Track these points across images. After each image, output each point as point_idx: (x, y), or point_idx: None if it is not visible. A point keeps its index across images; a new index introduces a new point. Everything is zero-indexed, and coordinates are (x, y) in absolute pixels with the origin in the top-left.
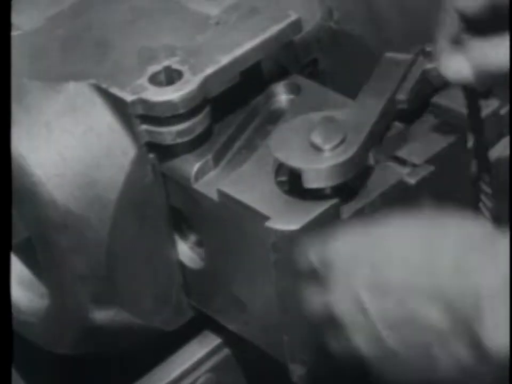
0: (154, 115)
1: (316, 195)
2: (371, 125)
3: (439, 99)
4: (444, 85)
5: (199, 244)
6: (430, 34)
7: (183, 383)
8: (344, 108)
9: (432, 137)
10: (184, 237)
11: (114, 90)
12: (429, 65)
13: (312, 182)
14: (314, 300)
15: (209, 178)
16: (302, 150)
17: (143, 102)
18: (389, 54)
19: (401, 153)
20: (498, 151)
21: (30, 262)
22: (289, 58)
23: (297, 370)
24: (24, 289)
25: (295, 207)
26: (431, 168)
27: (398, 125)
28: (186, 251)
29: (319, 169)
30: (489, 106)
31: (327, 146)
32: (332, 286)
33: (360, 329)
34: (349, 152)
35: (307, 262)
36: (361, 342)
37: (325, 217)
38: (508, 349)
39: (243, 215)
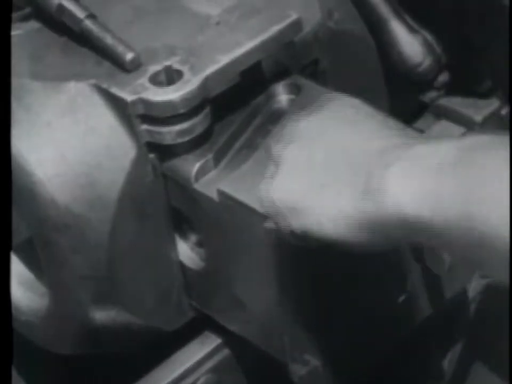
0: (154, 115)
1: None
2: None
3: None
4: None
5: (200, 244)
6: None
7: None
8: None
9: (432, 137)
10: (184, 237)
11: (115, 90)
12: None
13: None
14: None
15: (210, 178)
16: None
17: (144, 102)
18: None
19: None
20: None
21: (30, 262)
22: (290, 59)
23: (298, 371)
24: (25, 289)
25: None
26: None
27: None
28: (186, 251)
29: None
30: (489, 106)
31: None
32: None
33: None
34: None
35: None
36: None
37: None
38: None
39: (243, 215)
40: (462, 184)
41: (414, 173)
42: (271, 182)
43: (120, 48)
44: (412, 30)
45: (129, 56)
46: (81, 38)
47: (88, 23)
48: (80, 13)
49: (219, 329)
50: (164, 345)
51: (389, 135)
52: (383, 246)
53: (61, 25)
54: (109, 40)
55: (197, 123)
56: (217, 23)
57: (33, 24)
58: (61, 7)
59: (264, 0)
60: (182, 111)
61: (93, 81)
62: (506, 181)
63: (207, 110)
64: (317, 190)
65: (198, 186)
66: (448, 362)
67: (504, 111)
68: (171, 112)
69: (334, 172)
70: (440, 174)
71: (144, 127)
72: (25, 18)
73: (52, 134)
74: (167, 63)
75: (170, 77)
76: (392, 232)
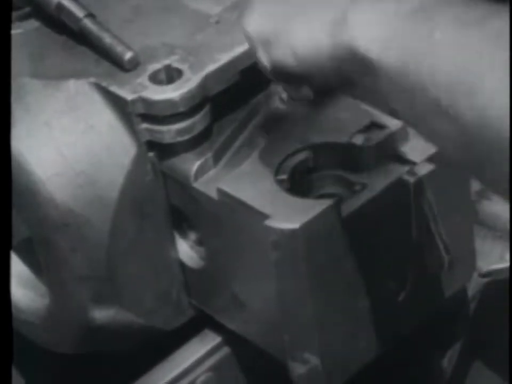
0: (154, 114)
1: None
2: None
3: None
4: None
5: (199, 242)
6: None
7: (183, 382)
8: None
9: None
10: (184, 235)
11: (114, 89)
12: None
13: None
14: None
15: (209, 177)
16: None
17: (143, 101)
18: None
19: (401, 151)
20: None
21: (30, 261)
22: None
23: (297, 369)
24: (25, 288)
25: (295, 205)
26: (431, 166)
27: (397, 123)
28: (186, 250)
29: None
30: None
31: None
32: None
33: None
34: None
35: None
36: None
37: (325, 215)
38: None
39: (243, 214)
40: (412, 31)
41: (374, 13)
42: (244, 15)
43: (118, 48)
44: None
45: (127, 55)
46: (80, 37)
47: (87, 22)
48: (79, 12)
49: (219, 328)
50: (163, 344)
51: None
52: (338, 80)
53: (60, 24)
54: (107, 39)
55: (197, 122)
56: (217, 22)
57: (33, 24)
58: (60, 6)
59: None
60: (181, 109)
61: (92, 79)
62: (453, 36)
63: (206, 108)
64: (288, 21)
65: (198, 185)
66: (447, 362)
67: None
68: (171, 110)
69: (303, 2)
70: (399, 17)
71: (144, 125)
72: (24, 18)
73: (51, 133)
74: (167, 61)
75: (170, 75)
76: (345, 65)
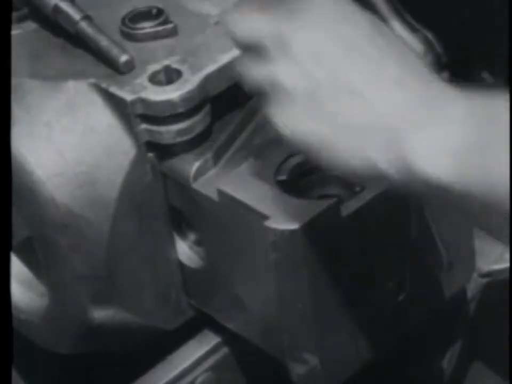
0: (153, 114)
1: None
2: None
3: None
4: None
5: (199, 242)
6: None
7: (182, 382)
8: None
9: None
10: (183, 236)
11: (114, 90)
12: None
13: None
14: (256, 69)
15: (209, 178)
16: None
17: (143, 101)
18: None
19: None
20: None
21: (30, 261)
22: None
23: (297, 370)
24: (24, 288)
25: (294, 206)
26: None
27: None
28: (185, 250)
29: None
30: None
31: None
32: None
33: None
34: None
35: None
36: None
37: (325, 216)
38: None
39: (242, 215)
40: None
41: (443, 144)
42: (280, 108)
43: (114, 51)
44: (412, 28)
45: (123, 58)
46: (77, 39)
47: (83, 25)
48: (75, 15)
49: (218, 328)
50: (162, 344)
51: (405, 77)
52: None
53: (58, 26)
54: (103, 42)
55: (196, 122)
56: (216, 23)
57: (31, 25)
58: (57, 8)
59: None
60: (181, 110)
61: (92, 80)
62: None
63: (206, 109)
64: (340, 134)
65: (197, 185)
66: (447, 362)
67: None
68: (170, 111)
69: (348, 111)
70: (467, 151)
71: (143, 126)
72: (23, 19)
73: (51, 134)
74: (166, 62)
75: (170, 76)
76: (413, 186)
